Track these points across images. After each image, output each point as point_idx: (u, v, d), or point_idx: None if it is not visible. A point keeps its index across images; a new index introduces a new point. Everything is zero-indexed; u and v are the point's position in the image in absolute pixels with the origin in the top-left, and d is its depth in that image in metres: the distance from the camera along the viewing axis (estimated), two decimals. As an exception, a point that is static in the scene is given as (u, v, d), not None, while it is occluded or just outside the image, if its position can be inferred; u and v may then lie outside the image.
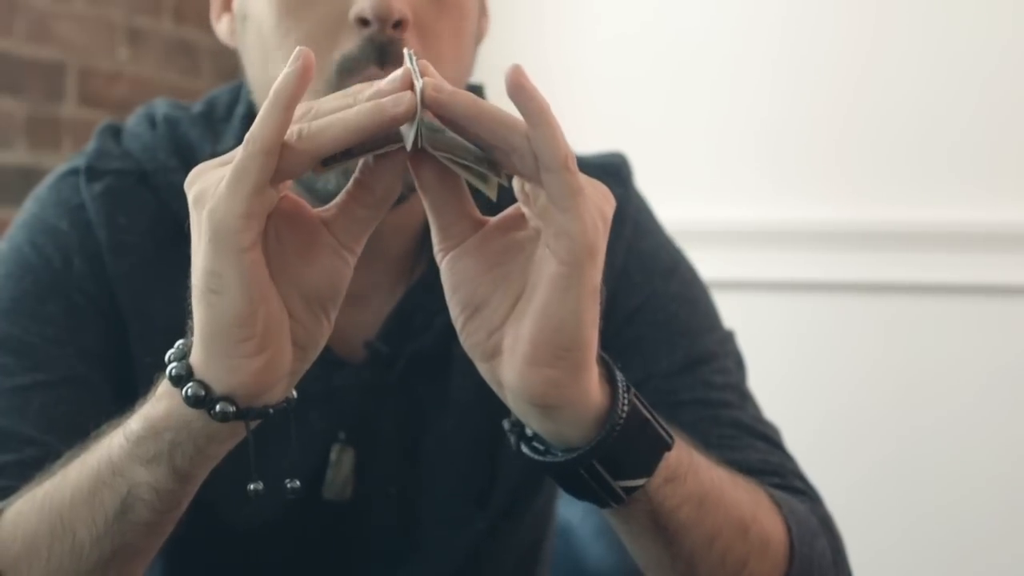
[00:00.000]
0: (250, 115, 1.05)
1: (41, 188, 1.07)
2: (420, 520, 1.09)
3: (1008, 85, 2.27)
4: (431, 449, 1.07)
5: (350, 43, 0.94)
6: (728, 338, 1.11)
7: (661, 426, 0.78)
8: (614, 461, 0.76)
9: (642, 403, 0.77)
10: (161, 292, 0.99)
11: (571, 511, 1.38)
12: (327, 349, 1.03)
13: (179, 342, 0.73)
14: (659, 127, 2.47)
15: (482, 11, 1.05)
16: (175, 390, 0.71)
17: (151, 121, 1.08)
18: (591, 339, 0.71)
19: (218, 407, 0.70)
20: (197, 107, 1.10)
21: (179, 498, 0.77)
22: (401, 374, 1.05)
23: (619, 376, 0.76)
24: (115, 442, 0.75)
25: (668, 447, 0.78)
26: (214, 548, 1.09)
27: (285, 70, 0.66)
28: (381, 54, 0.93)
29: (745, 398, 1.07)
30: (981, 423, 2.26)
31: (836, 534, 0.99)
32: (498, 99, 1.00)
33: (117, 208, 1.03)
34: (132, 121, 1.09)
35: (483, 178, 0.69)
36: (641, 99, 2.50)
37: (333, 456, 1.05)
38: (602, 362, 0.76)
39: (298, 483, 0.80)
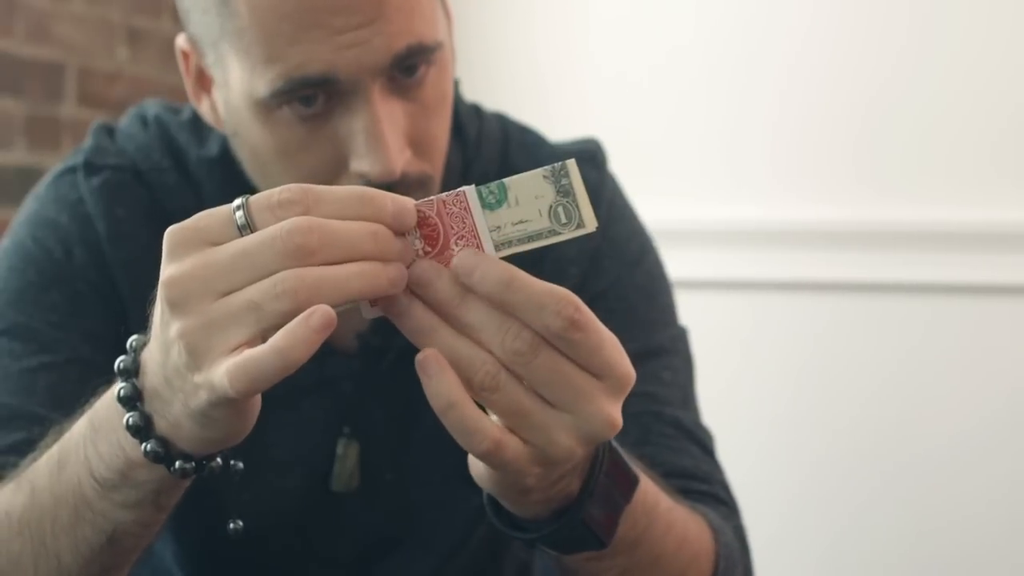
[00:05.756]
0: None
1: (39, 187, 1.10)
2: (417, 504, 1.11)
3: (1012, 86, 2.27)
4: (425, 436, 1.09)
5: (353, 183, 0.94)
6: (681, 336, 1.13)
7: (605, 532, 0.77)
8: (538, 539, 0.78)
9: (608, 504, 0.77)
10: (157, 280, 1.01)
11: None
12: None
13: (127, 358, 0.71)
14: (669, 127, 2.47)
15: (450, 25, 1.04)
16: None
17: (143, 121, 1.11)
18: (522, 501, 0.73)
19: (205, 469, 0.72)
20: (185, 113, 1.12)
21: (163, 519, 0.78)
22: (392, 364, 1.07)
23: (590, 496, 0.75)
24: (85, 482, 0.75)
25: (598, 549, 0.78)
26: (223, 540, 1.10)
27: (302, 329, 0.62)
28: None
29: (688, 399, 1.09)
30: (982, 422, 2.26)
31: (747, 548, 1.03)
32: (493, 93, 1.01)
33: (115, 200, 1.05)
34: (125, 121, 1.12)
35: None
36: (650, 98, 2.50)
37: (340, 450, 1.07)
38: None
39: (241, 524, 0.82)
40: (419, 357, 0.66)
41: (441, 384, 0.65)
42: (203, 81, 1.03)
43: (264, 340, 0.63)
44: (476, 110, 1.16)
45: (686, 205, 2.41)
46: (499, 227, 0.67)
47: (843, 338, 2.36)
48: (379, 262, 0.65)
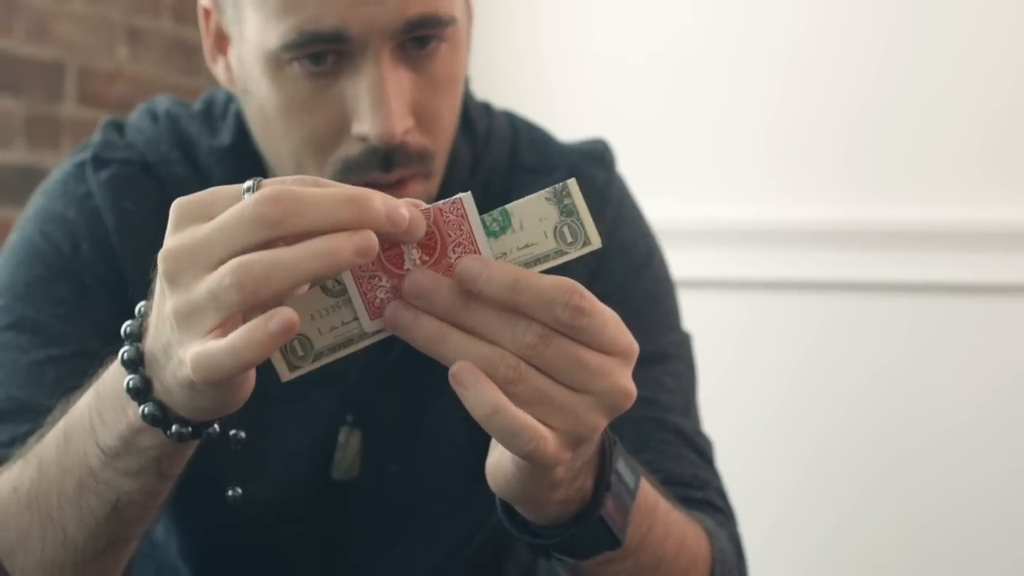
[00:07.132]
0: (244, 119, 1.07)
1: (48, 182, 1.10)
2: (422, 497, 1.12)
3: (1011, 86, 2.28)
4: (430, 427, 1.10)
5: (353, 148, 0.96)
6: (685, 341, 1.13)
7: (620, 530, 0.79)
8: (555, 546, 0.79)
9: (619, 502, 0.78)
10: None
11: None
12: None
13: (134, 322, 0.71)
14: (665, 125, 2.47)
15: (469, 18, 1.05)
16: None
17: (153, 116, 1.12)
18: (546, 501, 0.75)
19: (203, 434, 0.72)
20: (196, 105, 1.13)
21: (168, 488, 0.78)
22: (400, 355, 1.07)
23: (607, 491, 0.77)
24: (90, 452, 0.75)
25: (613, 549, 0.80)
26: (227, 531, 1.11)
27: (260, 331, 0.61)
28: (385, 162, 0.96)
29: (689, 406, 1.10)
30: (982, 422, 2.27)
31: (743, 555, 1.04)
32: (495, 91, 1.02)
33: (123, 194, 1.06)
34: (135, 116, 1.13)
35: None
36: (647, 97, 2.50)
37: (342, 438, 1.08)
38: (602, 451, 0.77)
39: (240, 491, 0.82)
40: (453, 371, 0.66)
41: (480, 392, 0.65)
42: (221, 42, 1.04)
43: (240, 323, 0.62)
44: (486, 107, 1.17)
45: (680, 204, 2.42)
46: (505, 253, 0.67)
47: (837, 337, 2.37)
48: (344, 232, 0.61)
